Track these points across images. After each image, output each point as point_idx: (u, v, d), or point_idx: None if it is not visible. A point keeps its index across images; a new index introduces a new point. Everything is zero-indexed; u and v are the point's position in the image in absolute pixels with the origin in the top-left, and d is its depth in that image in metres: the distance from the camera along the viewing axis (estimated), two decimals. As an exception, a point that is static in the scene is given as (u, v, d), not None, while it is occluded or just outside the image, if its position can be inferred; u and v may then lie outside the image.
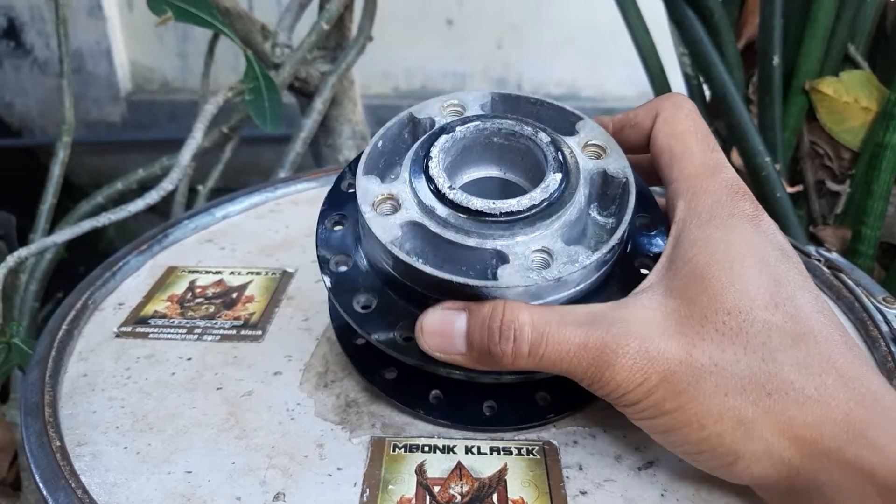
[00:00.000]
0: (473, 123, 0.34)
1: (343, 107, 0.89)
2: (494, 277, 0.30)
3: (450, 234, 0.31)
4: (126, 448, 0.34)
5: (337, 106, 0.88)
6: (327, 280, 0.34)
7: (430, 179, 0.32)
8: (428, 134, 0.34)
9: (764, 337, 0.28)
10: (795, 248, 0.50)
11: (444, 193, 0.31)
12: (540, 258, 0.31)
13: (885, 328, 0.42)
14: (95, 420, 0.36)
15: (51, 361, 0.39)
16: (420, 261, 0.31)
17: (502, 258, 0.31)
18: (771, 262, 0.30)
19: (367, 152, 0.34)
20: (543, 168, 0.32)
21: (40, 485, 0.31)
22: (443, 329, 0.30)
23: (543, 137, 0.33)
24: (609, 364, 0.28)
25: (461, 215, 0.31)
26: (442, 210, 0.31)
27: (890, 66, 0.76)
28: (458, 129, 0.34)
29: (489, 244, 0.31)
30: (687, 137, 0.34)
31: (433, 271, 0.30)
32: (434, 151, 0.33)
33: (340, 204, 0.36)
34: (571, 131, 0.35)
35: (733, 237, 0.30)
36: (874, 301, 0.44)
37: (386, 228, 0.31)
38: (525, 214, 0.31)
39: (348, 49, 0.85)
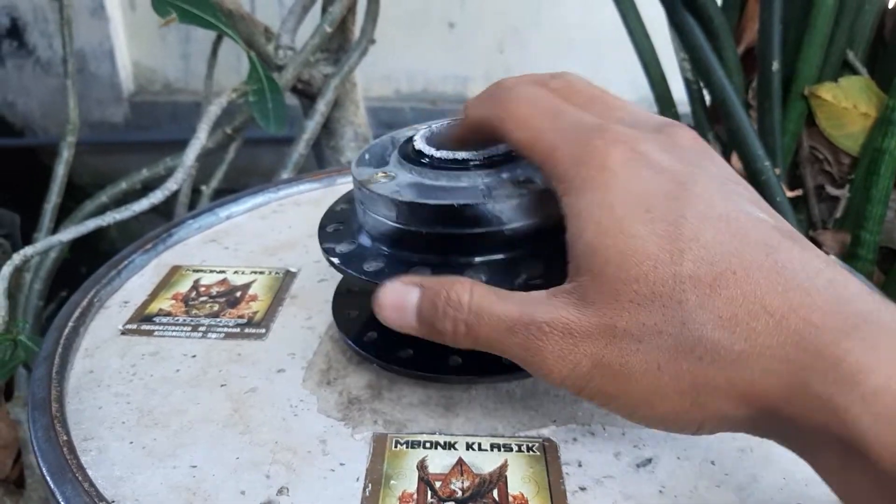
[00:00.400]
0: (449, 119, 0.39)
1: (345, 109, 0.90)
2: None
3: (443, 181, 0.35)
4: (132, 443, 0.34)
5: (339, 108, 0.89)
6: (335, 259, 0.37)
7: (416, 151, 0.37)
8: (409, 135, 0.39)
9: (679, 295, 0.26)
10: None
11: (431, 154, 0.36)
12: (524, 179, 0.35)
13: (881, 330, 0.42)
14: (101, 415, 0.36)
15: (57, 358, 0.39)
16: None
17: (491, 188, 0.34)
18: (661, 203, 0.27)
19: (356, 160, 0.39)
20: None
21: (47, 478, 0.32)
22: (396, 303, 0.32)
23: None
24: (538, 350, 0.28)
25: (450, 168, 0.36)
26: (430, 170, 0.36)
27: (888, 73, 0.77)
28: (434, 125, 0.39)
29: (479, 181, 0.35)
30: (530, 121, 0.31)
31: (437, 201, 0.34)
32: (416, 137, 0.38)
33: (337, 215, 0.41)
34: None
35: (611, 194, 0.28)
36: (871, 303, 0.44)
37: (386, 188, 0.36)
38: (504, 156, 0.36)
39: (351, 51, 0.85)
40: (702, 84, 0.84)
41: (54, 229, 0.86)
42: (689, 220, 0.27)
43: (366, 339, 0.39)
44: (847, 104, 0.77)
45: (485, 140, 0.35)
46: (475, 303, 0.30)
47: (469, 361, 0.36)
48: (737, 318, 0.26)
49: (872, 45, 0.81)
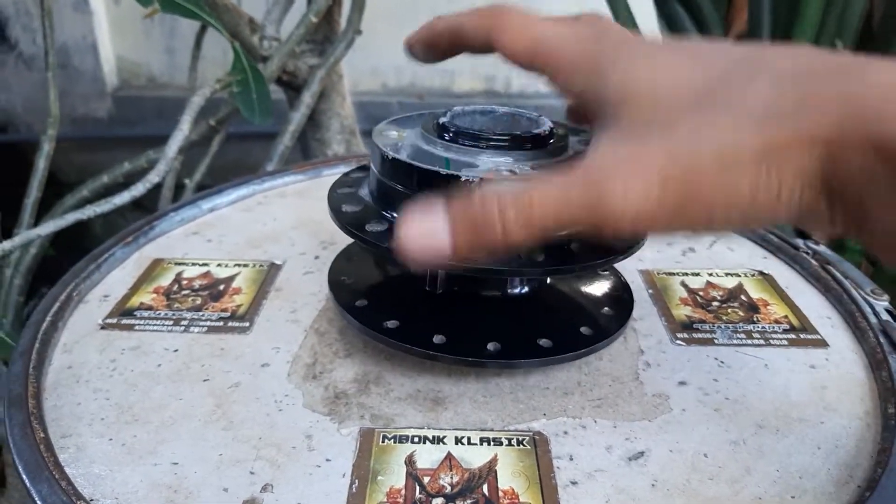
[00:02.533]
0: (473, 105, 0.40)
1: (331, 101, 0.89)
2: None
3: (448, 153, 0.36)
4: (111, 440, 0.33)
5: (325, 100, 0.88)
6: (339, 221, 0.37)
7: (440, 125, 0.37)
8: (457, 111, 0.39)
9: (727, 76, 0.27)
10: (785, 241, 0.51)
11: (442, 122, 0.37)
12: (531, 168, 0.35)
13: (873, 320, 0.42)
14: (80, 412, 0.35)
15: (35, 353, 0.38)
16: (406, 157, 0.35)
17: (489, 169, 0.35)
18: (667, 45, 0.30)
19: (393, 118, 0.41)
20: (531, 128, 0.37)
21: (24, 476, 0.31)
22: (422, 226, 0.27)
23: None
24: (605, 193, 0.26)
25: (466, 145, 0.36)
26: (445, 142, 0.36)
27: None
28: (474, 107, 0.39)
29: (485, 160, 0.35)
30: (527, 30, 0.32)
31: (412, 161, 0.34)
32: (448, 113, 0.38)
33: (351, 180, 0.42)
34: None
35: (630, 48, 0.30)
36: (862, 293, 0.44)
37: (385, 141, 0.37)
38: (529, 140, 0.36)
39: (337, 42, 0.84)
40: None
41: (35, 224, 0.84)
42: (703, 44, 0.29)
43: (357, 304, 0.39)
44: (836, 95, 0.77)
45: (450, 50, 0.36)
46: (516, 186, 0.27)
47: (453, 342, 0.36)
48: (786, 74, 0.26)
49: (860, 34, 0.80)
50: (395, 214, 0.36)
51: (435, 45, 0.36)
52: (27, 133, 1.97)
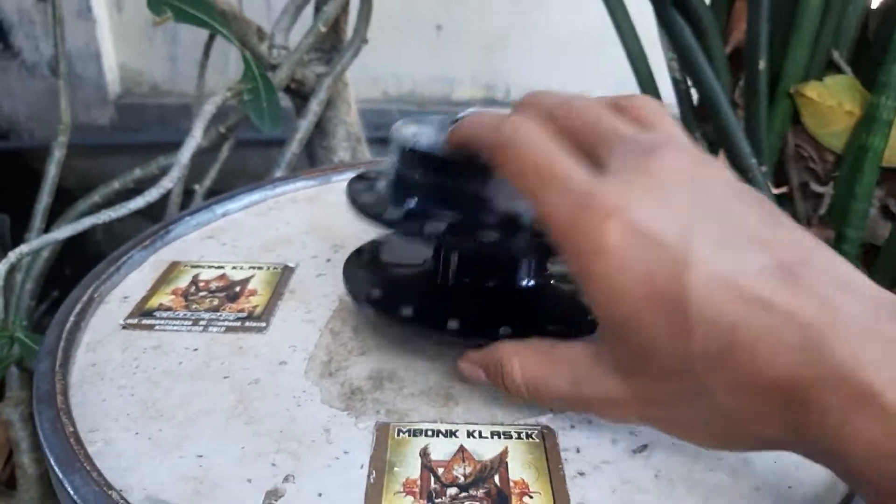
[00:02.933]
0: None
1: (338, 108, 0.90)
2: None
3: None
4: (137, 434, 0.35)
5: (332, 108, 0.90)
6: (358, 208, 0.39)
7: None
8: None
9: (694, 367, 0.28)
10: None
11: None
12: None
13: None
14: (106, 408, 0.37)
15: (60, 352, 0.39)
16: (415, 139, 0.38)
17: None
18: (664, 284, 0.27)
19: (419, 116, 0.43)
20: None
21: (56, 469, 0.32)
22: (474, 376, 0.36)
23: None
24: (592, 413, 0.34)
25: None
26: None
27: (872, 72, 0.78)
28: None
29: None
30: (523, 179, 0.31)
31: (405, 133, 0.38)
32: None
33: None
34: None
35: (612, 280, 0.28)
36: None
37: (405, 134, 0.39)
38: None
39: (343, 51, 0.86)
40: (690, 83, 0.85)
41: (45, 230, 0.86)
42: (693, 298, 0.27)
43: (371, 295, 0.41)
44: (832, 102, 0.79)
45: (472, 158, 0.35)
46: (528, 381, 0.33)
47: (466, 327, 0.38)
48: (742, 387, 0.27)
49: (857, 44, 0.82)
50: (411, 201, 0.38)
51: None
52: (29, 140, 1.99)
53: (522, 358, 0.34)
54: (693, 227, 0.28)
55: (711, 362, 0.27)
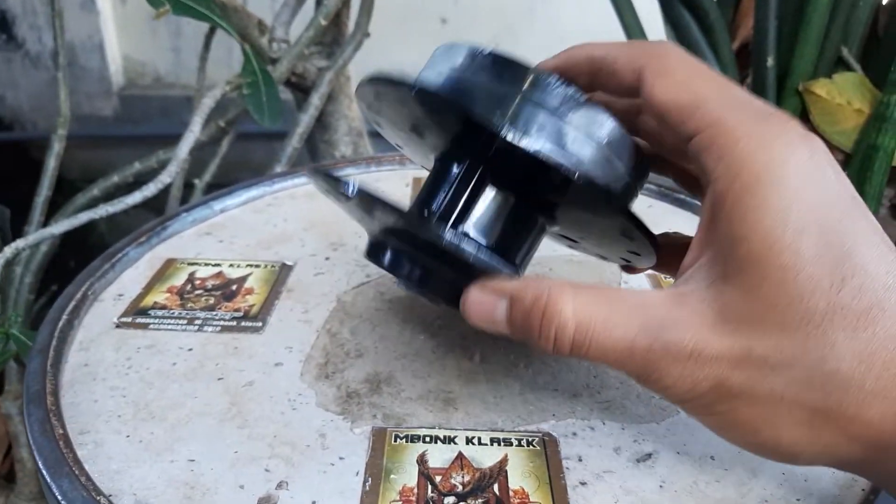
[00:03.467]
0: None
1: (339, 103, 0.89)
2: None
3: None
4: (128, 436, 0.34)
5: (333, 102, 0.89)
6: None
7: None
8: None
9: (827, 325, 0.25)
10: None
11: None
12: None
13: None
14: (97, 409, 0.36)
15: (52, 351, 0.39)
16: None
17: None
18: (835, 221, 0.25)
19: None
20: None
21: (44, 472, 0.31)
22: (484, 311, 0.30)
23: None
24: (656, 369, 0.27)
25: None
26: None
27: (882, 69, 0.77)
28: None
29: None
30: (692, 82, 0.28)
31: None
32: None
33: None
34: None
35: (788, 200, 0.25)
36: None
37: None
38: None
39: (345, 45, 0.85)
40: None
41: (45, 223, 0.85)
42: (860, 245, 0.25)
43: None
44: (841, 100, 0.77)
45: (587, 86, 0.31)
46: (582, 320, 0.27)
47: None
48: (874, 358, 0.25)
49: (866, 41, 0.81)
50: None
51: (570, 78, 0.31)
52: (32, 131, 1.98)
53: (577, 293, 0.28)
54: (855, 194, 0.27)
55: (854, 319, 0.25)
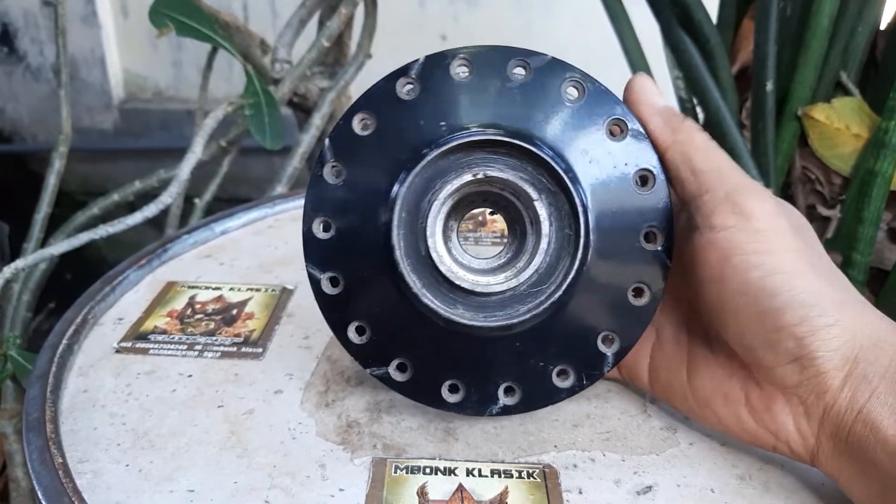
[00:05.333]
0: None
1: (340, 122, 0.89)
2: None
3: None
4: (128, 465, 0.34)
5: (335, 122, 0.89)
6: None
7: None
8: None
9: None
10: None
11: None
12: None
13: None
14: (97, 437, 0.36)
15: (51, 377, 0.39)
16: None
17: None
18: (820, 257, 0.33)
19: None
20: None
21: (43, 502, 0.31)
22: (650, 86, 0.35)
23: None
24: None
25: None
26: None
27: (880, 94, 0.77)
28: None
29: None
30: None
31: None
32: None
33: None
34: None
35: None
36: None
37: None
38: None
39: (347, 66, 0.85)
40: (695, 103, 0.84)
41: (44, 239, 0.85)
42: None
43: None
44: (840, 125, 0.78)
45: None
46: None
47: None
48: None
49: (865, 66, 0.81)
50: None
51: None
52: (33, 143, 1.99)
53: None
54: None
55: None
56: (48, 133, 1.92)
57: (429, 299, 0.32)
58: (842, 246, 0.77)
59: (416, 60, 0.34)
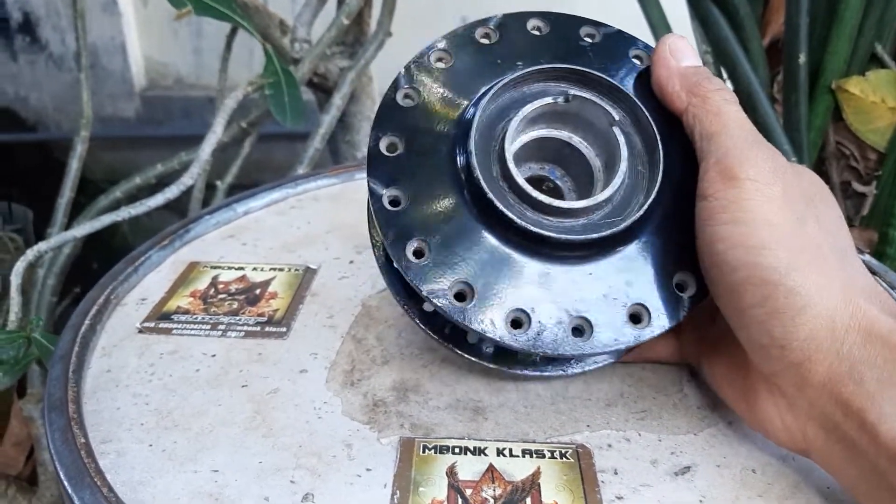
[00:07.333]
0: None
1: (361, 103, 0.88)
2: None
3: None
4: (151, 445, 0.33)
5: (355, 102, 0.88)
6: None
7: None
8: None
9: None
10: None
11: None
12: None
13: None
14: (120, 416, 0.35)
15: (74, 357, 0.38)
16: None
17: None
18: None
19: None
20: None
21: (65, 483, 0.31)
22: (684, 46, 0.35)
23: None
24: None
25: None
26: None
27: (918, 66, 0.75)
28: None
29: None
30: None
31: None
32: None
33: None
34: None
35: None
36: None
37: None
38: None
39: (367, 44, 0.84)
40: (725, 76, 0.82)
41: (67, 224, 0.85)
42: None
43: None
44: (875, 98, 0.75)
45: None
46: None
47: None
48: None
49: (900, 37, 0.79)
50: None
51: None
52: (56, 131, 2.00)
53: None
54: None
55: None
56: (72, 121, 1.93)
57: (509, 212, 0.32)
58: (878, 222, 0.75)
59: (493, 16, 0.36)
